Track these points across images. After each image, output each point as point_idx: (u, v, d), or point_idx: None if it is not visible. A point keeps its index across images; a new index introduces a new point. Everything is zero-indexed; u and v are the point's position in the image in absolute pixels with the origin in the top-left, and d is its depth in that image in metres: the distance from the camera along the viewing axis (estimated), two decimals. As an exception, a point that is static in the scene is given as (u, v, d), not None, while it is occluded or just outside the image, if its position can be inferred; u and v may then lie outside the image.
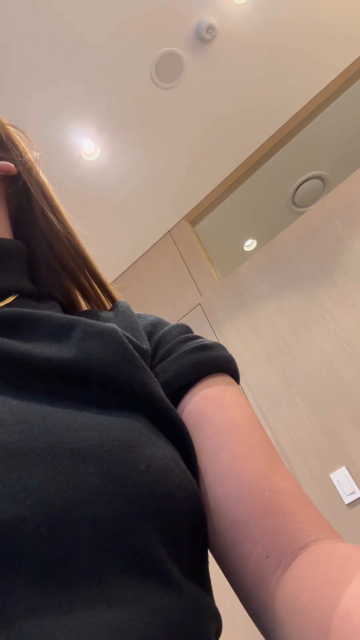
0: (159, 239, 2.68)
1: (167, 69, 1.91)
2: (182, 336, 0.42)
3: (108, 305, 0.50)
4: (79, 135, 2.02)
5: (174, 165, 2.32)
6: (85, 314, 0.45)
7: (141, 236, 2.64)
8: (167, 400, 0.34)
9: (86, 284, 0.49)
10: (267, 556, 0.26)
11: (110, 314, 0.44)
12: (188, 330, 0.44)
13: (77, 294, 0.49)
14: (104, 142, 2.09)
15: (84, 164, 2.14)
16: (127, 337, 0.35)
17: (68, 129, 1.98)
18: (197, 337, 0.42)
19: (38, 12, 1.60)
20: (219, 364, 0.39)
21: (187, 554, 0.28)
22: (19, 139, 0.50)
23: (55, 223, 0.46)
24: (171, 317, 2.45)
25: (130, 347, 0.34)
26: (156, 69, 1.90)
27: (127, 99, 1.97)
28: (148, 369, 0.34)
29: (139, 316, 0.46)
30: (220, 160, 2.40)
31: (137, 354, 0.34)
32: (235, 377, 0.41)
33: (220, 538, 0.29)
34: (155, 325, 0.44)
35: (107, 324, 0.35)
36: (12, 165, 0.46)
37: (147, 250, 2.72)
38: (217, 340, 2.40)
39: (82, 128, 2.00)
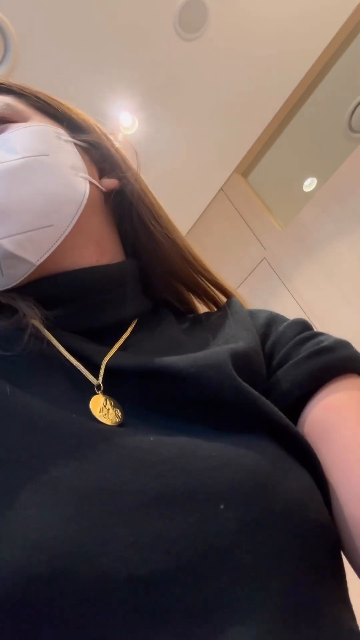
0: (213, 199, 2.60)
1: (191, 19, 1.78)
2: (297, 337, 0.39)
3: (222, 300, 0.51)
4: (116, 109, 1.99)
5: (216, 118, 2.20)
6: (197, 323, 0.46)
7: (193, 200, 2.57)
8: (287, 420, 0.32)
9: (194, 285, 0.50)
10: None
11: (223, 321, 0.44)
12: (305, 327, 0.41)
13: (190, 295, 0.51)
14: (139, 111, 2.04)
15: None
16: (238, 363, 0.34)
17: (102, 107, 1.95)
18: (315, 336, 0.39)
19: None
20: (342, 366, 0.36)
21: (328, 584, 0.27)
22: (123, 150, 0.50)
23: (157, 231, 0.47)
24: (237, 277, 2.40)
25: (245, 387, 0.32)
26: (180, 21, 1.78)
27: (157, 60, 1.88)
28: (262, 399, 0.32)
29: (251, 314, 0.45)
30: (263, 102, 2.23)
31: (253, 391, 0.32)
32: None
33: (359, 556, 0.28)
34: (268, 326, 0.43)
35: (217, 358, 0.33)
36: (116, 181, 0.46)
37: (202, 213, 2.65)
38: (301, 306, 2.25)
39: (118, 101, 1.96)
